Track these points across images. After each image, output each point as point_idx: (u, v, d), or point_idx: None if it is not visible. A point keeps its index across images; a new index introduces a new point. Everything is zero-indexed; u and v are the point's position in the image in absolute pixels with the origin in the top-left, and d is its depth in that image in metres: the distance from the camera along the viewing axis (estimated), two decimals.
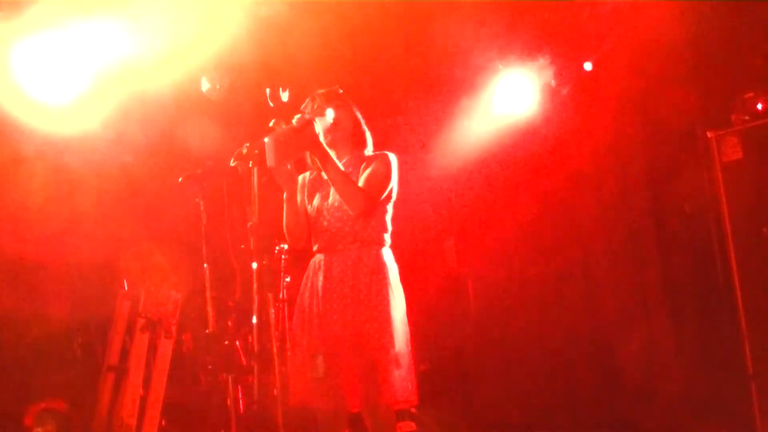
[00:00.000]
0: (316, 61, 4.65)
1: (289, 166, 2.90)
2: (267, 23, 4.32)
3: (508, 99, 5.60)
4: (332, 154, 2.84)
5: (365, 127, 3.11)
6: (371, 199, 2.88)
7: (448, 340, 6.17)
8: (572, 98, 5.53)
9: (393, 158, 3.00)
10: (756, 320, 4.03)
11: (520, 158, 5.90)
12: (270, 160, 2.70)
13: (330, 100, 3.01)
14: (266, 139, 2.69)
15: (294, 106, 3.16)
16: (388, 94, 5.58)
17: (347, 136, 3.03)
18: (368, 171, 2.93)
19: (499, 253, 6.03)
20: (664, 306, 4.91)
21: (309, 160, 3.10)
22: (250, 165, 2.71)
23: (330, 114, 2.94)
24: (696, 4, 4.54)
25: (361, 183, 2.90)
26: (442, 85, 5.78)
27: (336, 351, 2.83)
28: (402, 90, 5.83)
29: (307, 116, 2.83)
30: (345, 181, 2.83)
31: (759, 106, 4.16)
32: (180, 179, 3.13)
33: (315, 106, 2.99)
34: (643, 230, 5.02)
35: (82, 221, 4.97)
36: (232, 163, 2.77)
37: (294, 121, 2.79)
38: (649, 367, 4.92)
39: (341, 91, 3.09)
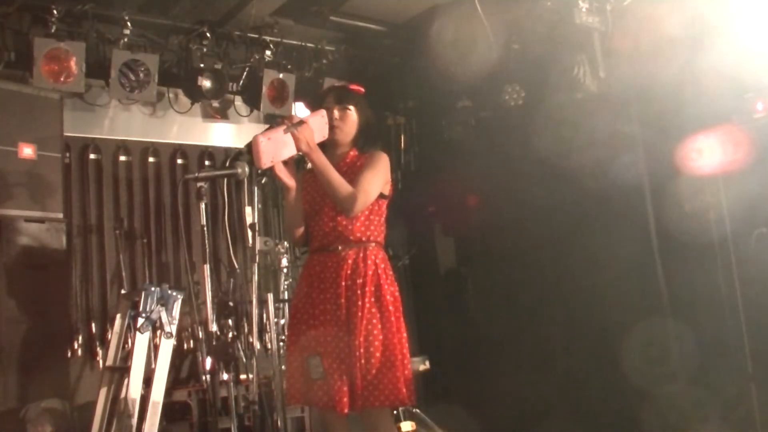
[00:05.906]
0: None
1: (286, 163, 2.86)
2: None
3: None
4: (330, 153, 2.82)
5: (371, 128, 3.07)
6: (363, 201, 2.86)
7: (448, 339, 6.17)
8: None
9: (386, 157, 2.99)
10: (756, 320, 4.03)
11: (521, 158, 5.90)
12: (257, 161, 2.66)
13: (340, 98, 2.99)
14: (259, 140, 2.65)
15: None
16: None
17: (349, 136, 3.01)
18: (363, 171, 2.91)
19: (499, 253, 6.03)
20: (664, 306, 4.91)
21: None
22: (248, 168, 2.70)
23: (325, 114, 2.91)
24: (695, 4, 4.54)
25: (356, 183, 2.87)
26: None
27: (334, 351, 2.83)
28: None
29: (299, 117, 2.82)
30: (337, 183, 2.81)
31: (759, 106, 4.15)
32: (181, 179, 3.14)
33: (324, 103, 2.97)
34: (643, 230, 5.02)
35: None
36: (231, 164, 2.77)
37: (285, 121, 2.77)
38: (649, 367, 4.91)
39: (357, 87, 3.06)
